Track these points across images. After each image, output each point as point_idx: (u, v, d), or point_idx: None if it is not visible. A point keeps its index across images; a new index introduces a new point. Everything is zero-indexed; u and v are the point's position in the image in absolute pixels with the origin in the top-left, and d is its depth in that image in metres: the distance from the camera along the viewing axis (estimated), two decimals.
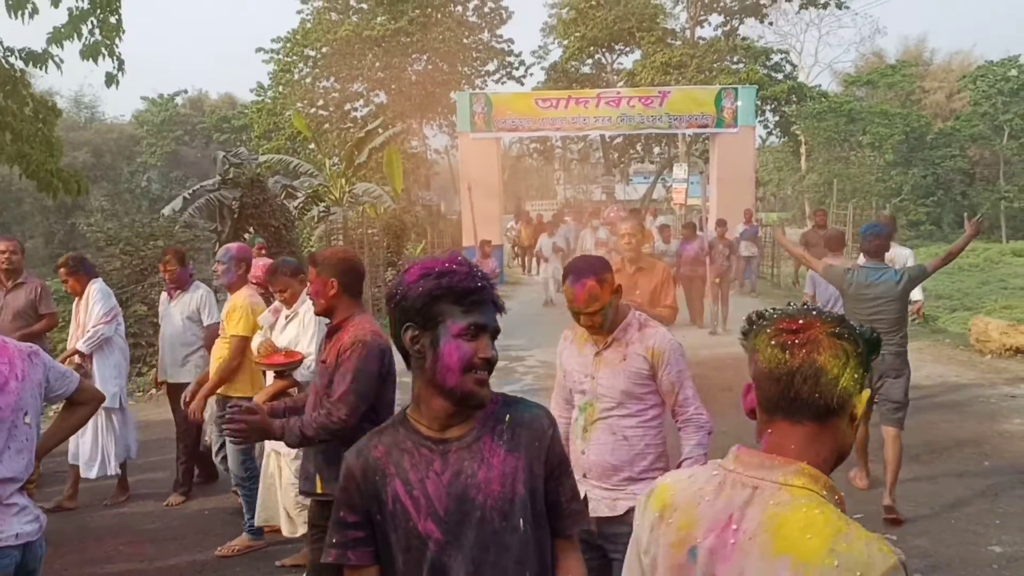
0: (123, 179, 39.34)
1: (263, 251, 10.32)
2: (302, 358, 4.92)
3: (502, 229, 23.62)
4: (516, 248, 27.90)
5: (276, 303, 5.37)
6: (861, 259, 6.42)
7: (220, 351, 5.70)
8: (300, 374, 4.93)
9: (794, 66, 43.01)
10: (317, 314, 3.87)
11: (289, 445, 3.51)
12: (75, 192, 11.78)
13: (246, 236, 16.81)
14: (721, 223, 15.54)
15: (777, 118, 38.94)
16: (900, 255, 8.64)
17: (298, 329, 5.08)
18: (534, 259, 15.95)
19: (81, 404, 3.40)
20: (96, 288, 6.51)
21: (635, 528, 1.72)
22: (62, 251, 33.91)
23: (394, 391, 3.66)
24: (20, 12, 11.14)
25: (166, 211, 17.54)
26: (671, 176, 38.69)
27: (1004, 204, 40.17)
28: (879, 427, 6.10)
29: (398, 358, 2.34)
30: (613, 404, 3.42)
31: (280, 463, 5.26)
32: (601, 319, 3.38)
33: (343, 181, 22.64)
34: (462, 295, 1.93)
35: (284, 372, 4.95)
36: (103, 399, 3.59)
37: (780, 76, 38.39)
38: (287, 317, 5.18)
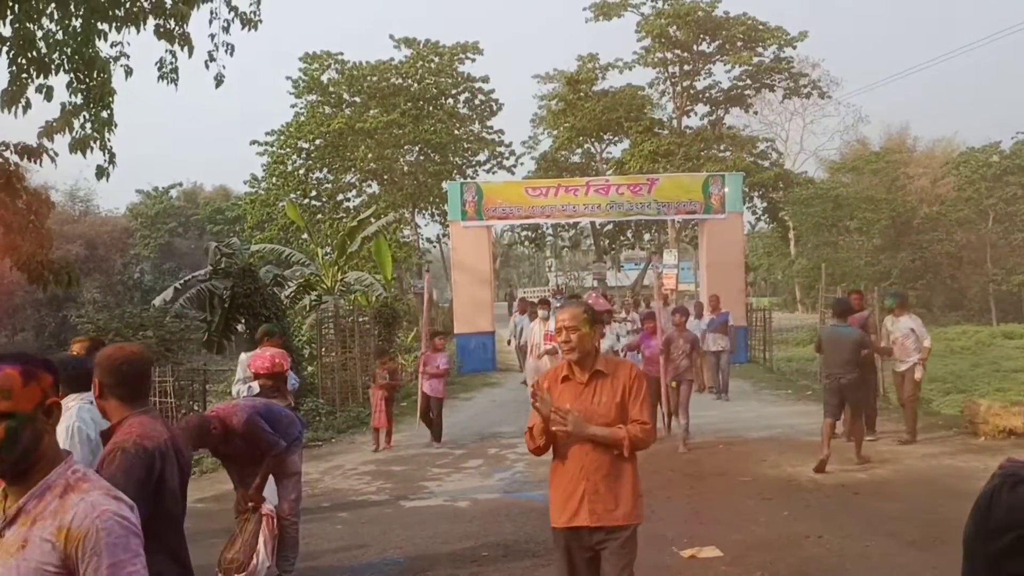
0: (116, 271, 39.35)
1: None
2: None
3: (493, 316, 23.63)
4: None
5: None
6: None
7: None
8: None
9: (780, 153, 43.91)
10: (104, 418, 3.41)
11: None
12: (65, 284, 11.78)
13: (237, 326, 16.78)
14: (680, 311, 12.37)
15: (765, 204, 39.45)
16: (915, 323, 10.94)
17: None
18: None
19: None
20: None
21: None
22: (52, 344, 33.69)
23: (177, 502, 3.23)
24: (13, 106, 11.33)
25: (157, 302, 17.54)
26: (662, 262, 39.06)
27: (992, 287, 40.42)
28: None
29: None
30: None
31: None
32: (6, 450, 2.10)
33: (335, 270, 22.74)
34: None
35: None
36: None
37: (766, 163, 39.03)
38: None
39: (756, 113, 43.41)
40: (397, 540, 7.47)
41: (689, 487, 9.01)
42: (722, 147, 38.10)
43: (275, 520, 6.09)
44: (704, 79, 38.94)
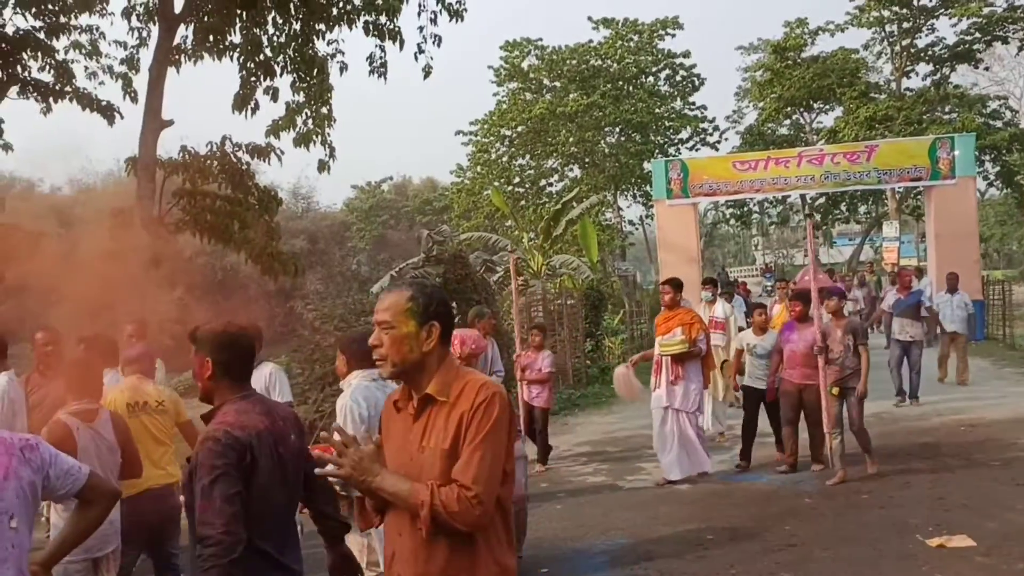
0: (335, 263, 41.69)
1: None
2: None
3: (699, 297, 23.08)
4: None
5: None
6: None
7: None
8: None
9: (1015, 112, 40.04)
10: (201, 400, 3.17)
11: None
12: (292, 273, 12.55)
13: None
14: (832, 293, 8.74)
15: (998, 168, 36.23)
16: None
17: None
18: None
19: (92, 503, 2.99)
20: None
21: None
22: (283, 332, 36.30)
23: (267, 500, 2.90)
24: (244, 108, 12.14)
25: (375, 289, 18.34)
26: (880, 235, 36.74)
27: None
28: None
29: None
30: None
31: None
32: None
33: (540, 254, 22.96)
34: None
35: None
36: (118, 495, 3.23)
37: (999, 124, 35.81)
38: None
39: (987, 69, 39.78)
40: (618, 522, 7.36)
41: (929, 472, 8.32)
42: (947, 109, 35.35)
43: None
44: (926, 36, 36.18)
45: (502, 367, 9.29)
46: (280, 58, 12.42)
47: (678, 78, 39.78)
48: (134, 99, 12.43)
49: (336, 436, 2.58)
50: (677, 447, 8.48)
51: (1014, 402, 11.77)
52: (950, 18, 34.52)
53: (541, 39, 37.79)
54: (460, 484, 2.44)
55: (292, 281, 16.51)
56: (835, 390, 8.23)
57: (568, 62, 37.71)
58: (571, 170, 40.28)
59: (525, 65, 38.06)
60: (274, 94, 12.73)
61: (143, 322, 6.47)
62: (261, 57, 12.36)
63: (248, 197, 12.14)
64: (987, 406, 11.62)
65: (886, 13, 35.09)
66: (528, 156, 39.31)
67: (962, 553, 5.95)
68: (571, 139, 37.39)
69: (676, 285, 8.95)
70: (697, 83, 39.77)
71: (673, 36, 38.38)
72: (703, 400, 9.05)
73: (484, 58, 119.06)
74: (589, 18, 38.39)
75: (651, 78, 39.47)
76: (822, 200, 39.75)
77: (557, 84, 38.53)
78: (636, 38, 38.19)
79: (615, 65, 38.17)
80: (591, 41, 38.10)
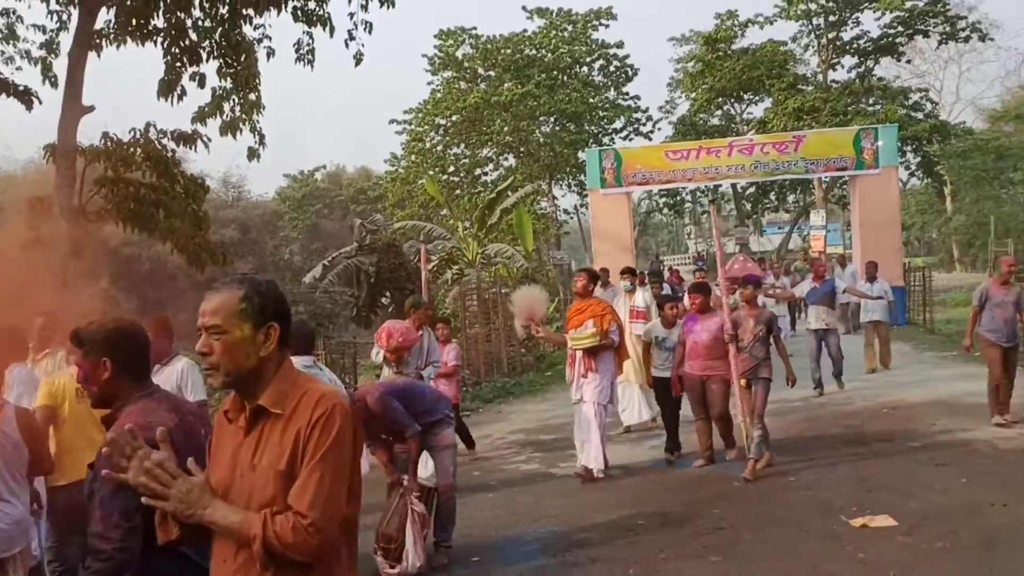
0: (267, 253, 40.96)
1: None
2: None
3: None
4: None
5: None
6: None
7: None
8: None
9: (935, 104, 41.27)
10: (93, 406, 2.97)
11: None
12: (220, 262, 12.29)
13: (383, 300, 17.13)
14: (749, 281, 8.83)
15: (919, 159, 37.34)
16: None
17: None
18: None
19: None
20: None
21: None
22: None
23: None
24: (169, 95, 11.82)
25: (307, 279, 18.11)
26: (808, 224, 37.55)
27: None
28: None
29: None
30: None
31: None
32: None
33: (475, 243, 22.92)
34: None
35: None
36: None
37: (920, 115, 36.90)
38: None
39: (909, 62, 40.92)
40: (551, 509, 7.40)
41: (853, 453, 8.54)
42: (871, 100, 36.31)
43: (427, 517, 5.95)
44: (851, 29, 37.10)
45: (439, 358, 9.03)
46: (206, 43, 12.08)
47: (612, 68, 39.99)
48: (54, 84, 12.02)
49: (156, 466, 2.18)
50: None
51: (934, 385, 12.13)
52: (874, 12, 35.40)
53: (475, 28, 37.66)
54: (296, 511, 2.16)
55: (222, 271, 16.21)
56: (743, 382, 8.08)
57: (503, 51, 37.62)
58: (506, 159, 40.28)
59: (460, 54, 37.86)
60: (200, 80, 12.38)
61: (53, 315, 6.22)
62: (186, 42, 12.01)
63: (174, 185, 11.82)
64: (908, 389, 11.97)
65: (813, 6, 35.85)
66: (463, 145, 39.19)
67: (884, 532, 6.12)
68: (506, 128, 37.36)
69: (592, 276, 8.84)
70: (630, 74, 40.04)
71: (607, 26, 38.57)
72: (615, 392, 8.80)
73: (418, 47, 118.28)
74: (523, 8, 38.39)
75: (585, 68, 39.63)
76: (752, 189, 40.49)
77: (492, 73, 38.43)
78: (570, 28, 38.26)
79: (549, 55, 38.22)
80: (525, 31, 38.09)
